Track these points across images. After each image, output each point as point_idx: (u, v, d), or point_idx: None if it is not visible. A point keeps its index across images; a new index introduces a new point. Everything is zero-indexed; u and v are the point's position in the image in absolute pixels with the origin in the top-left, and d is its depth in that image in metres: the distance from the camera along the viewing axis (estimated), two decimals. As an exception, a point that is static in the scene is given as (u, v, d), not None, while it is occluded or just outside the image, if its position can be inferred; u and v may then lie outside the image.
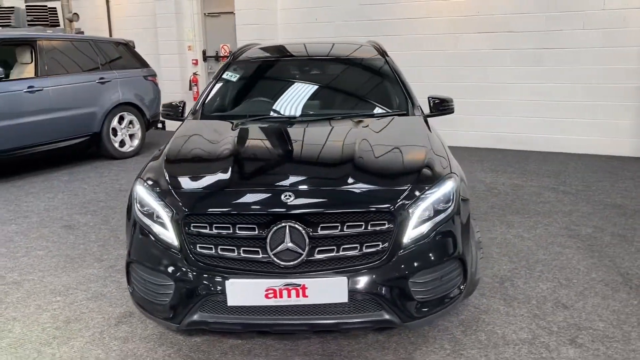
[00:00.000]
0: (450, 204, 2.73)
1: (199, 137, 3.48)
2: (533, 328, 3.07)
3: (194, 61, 10.26)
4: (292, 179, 2.77)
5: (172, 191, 2.71)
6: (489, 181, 6.32)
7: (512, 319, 3.18)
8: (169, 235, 2.62)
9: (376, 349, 2.90)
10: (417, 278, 2.58)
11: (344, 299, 2.48)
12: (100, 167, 7.43)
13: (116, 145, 7.90)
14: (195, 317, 2.57)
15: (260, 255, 2.50)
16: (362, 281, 2.50)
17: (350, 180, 2.70)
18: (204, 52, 10.30)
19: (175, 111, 4.16)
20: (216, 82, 4.25)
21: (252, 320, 2.54)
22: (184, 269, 2.56)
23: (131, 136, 8.18)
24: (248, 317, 2.54)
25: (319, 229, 2.50)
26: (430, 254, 2.61)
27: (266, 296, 2.47)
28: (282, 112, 3.97)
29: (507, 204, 5.41)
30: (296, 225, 2.48)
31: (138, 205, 2.80)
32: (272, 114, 3.97)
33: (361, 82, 4.32)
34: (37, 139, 6.80)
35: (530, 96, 7.99)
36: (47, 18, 10.39)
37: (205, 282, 2.52)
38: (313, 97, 4.15)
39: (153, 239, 2.67)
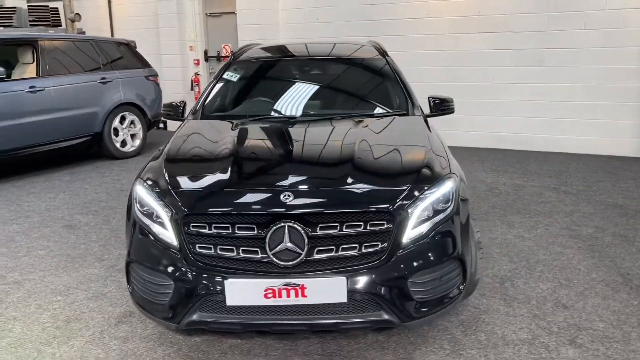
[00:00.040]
0: (449, 204, 2.73)
1: (199, 137, 3.49)
2: (533, 328, 3.07)
3: (196, 61, 10.27)
4: (292, 179, 2.77)
5: (172, 191, 2.72)
6: (489, 181, 6.32)
7: (512, 319, 3.18)
8: (168, 235, 2.62)
9: (375, 349, 2.90)
10: (417, 278, 2.58)
11: (343, 299, 2.48)
12: (101, 167, 7.44)
13: (117, 145, 7.91)
14: (195, 316, 2.57)
15: (260, 255, 2.51)
16: (361, 281, 2.50)
17: (349, 180, 2.70)
18: (205, 52, 10.31)
19: (176, 111, 4.17)
20: (216, 82, 4.26)
21: (251, 320, 2.55)
22: (183, 269, 2.56)
23: (132, 136, 8.19)
24: (247, 317, 2.55)
25: (318, 228, 2.50)
26: (430, 254, 2.61)
27: (265, 296, 2.47)
28: (282, 112, 3.98)
29: (508, 204, 5.41)
30: (295, 225, 2.48)
31: (138, 205, 2.80)
32: (272, 114, 3.98)
33: (361, 82, 4.32)
34: (38, 139, 6.82)
35: (531, 96, 7.98)
36: (49, 18, 10.40)
37: (204, 281, 2.53)
38: (313, 97, 4.16)
39: (152, 238, 2.67)
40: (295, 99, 4.08)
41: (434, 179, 2.77)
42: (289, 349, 2.90)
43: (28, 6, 10.64)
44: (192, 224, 2.58)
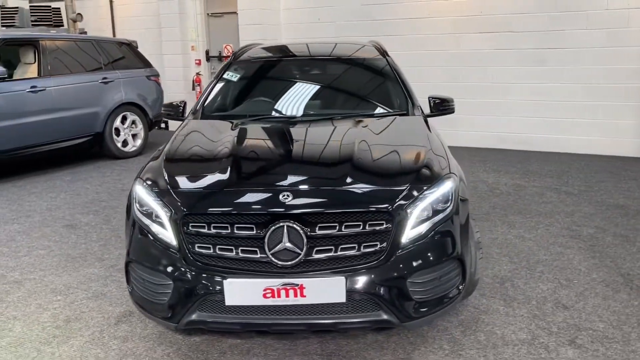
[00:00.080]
0: (449, 204, 2.73)
1: (199, 137, 3.49)
2: (532, 328, 3.06)
3: (197, 61, 10.28)
4: (291, 178, 2.77)
5: (171, 191, 2.72)
6: (491, 181, 6.31)
7: (511, 319, 3.17)
8: (167, 234, 2.62)
9: (375, 349, 2.90)
10: (416, 278, 2.58)
11: (342, 298, 2.48)
12: (102, 167, 7.45)
13: (119, 145, 7.92)
14: (194, 316, 2.57)
15: (259, 255, 2.51)
16: (360, 281, 2.50)
17: (348, 180, 2.70)
18: (207, 52, 10.32)
19: (176, 111, 4.17)
20: (217, 82, 4.26)
21: (250, 320, 2.54)
22: (183, 269, 2.56)
23: (134, 136, 8.20)
24: (246, 317, 2.55)
25: (317, 228, 2.50)
26: (429, 254, 2.61)
27: (264, 296, 2.47)
28: (282, 112, 3.98)
29: (508, 204, 5.40)
30: (294, 225, 2.48)
31: (137, 205, 2.81)
32: (272, 113, 3.98)
33: (361, 82, 4.32)
34: (40, 139, 6.83)
35: (533, 96, 7.97)
36: (51, 18, 10.43)
37: (203, 281, 2.52)
38: (313, 97, 4.15)
39: (152, 238, 2.67)
40: (295, 99, 4.08)
41: (434, 179, 2.77)
42: (288, 349, 2.90)
43: (30, 6, 10.67)
44: (191, 224, 2.58)
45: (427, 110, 4.08)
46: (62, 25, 10.46)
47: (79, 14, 10.39)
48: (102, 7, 11.35)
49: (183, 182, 2.82)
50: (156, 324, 3.10)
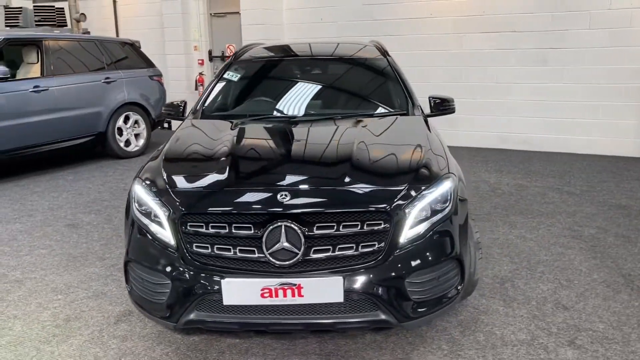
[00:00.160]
0: (447, 204, 2.72)
1: (198, 137, 3.49)
2: (532, 329, 3.06)
3: (200, 61, 10.29)
4: (289, 178, 2.77)
5: (169, 190, 2.73)
6: (493, 181, 6.29)
7: (511, 319, 3.16)
8: (166, 234, 2.63)
9: (373, 349, 2.89)
10: (414, 278, 2.57)
11: (340, 298, 2.48)
12: (105, 167, 7.47)
13: (121, 144, 7.93)
14: (192, 316, 2.58)
15: (256, 255, 2.51)
16: (358, 281, 2.49)
17: (347, 180, 2.70)
18: (210, 52, 10.33)
19: (176, 111, 4.18)
20: (217, 82, 4.27)
21: (248, 320, 2.54)
22: (181, 268, 2.57)
23: (136, 136, 8.22)
24: (244, 317, 2.55)
25: (315, 228, 2.50)
26: (427, 254, 2.60)
27: (262, 295, 2.47)
28: (281, 112, 3.98)
29: (510, 204, 5.39)
30: (292, 225, 2.48)
31: (136, 205, 2.81)
32: (271, 113, 3.98)
33: (361, 82, 4.31)
34: (42, 139, 6.85)
35: (535, 96, 7.95)
36: (55, 18, 10.48)
37: (201, 281, 2.53)
38: (312, 97, 4.15)
39: (150, 238, 2.68)
40: (294, 98, 4.08)
41: (432, 179, 2.76)
42: (286, 349, 2.91)
43: (34, 6, 10.72)
44: (189, 223, 2.58)
45: (427, 110, 4.08)
46: (66, 25, 10.51)
47: (82, 14, 10.42)
48: (105, 7, 11.38)
49: (181, 182, 2.82)
50: (155, 323, 3.10)
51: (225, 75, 4.33)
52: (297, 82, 4.29)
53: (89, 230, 4.87)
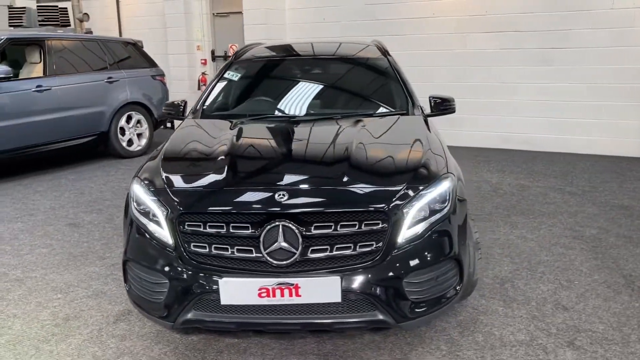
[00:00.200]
0: (446, 204, 2.71)
1: (197, 136, 3.49)
2: (531, 330, 3.04)
3: (203, 61, 10.31)
4: (287, 178, 2.77)
5: (167, 190, 2.73)
6: (494, 181, 6.28)
7: (510, 320, 3.15)
8: (164, 233, 2.63)
9: (372, 349, 2.89)
10: (412, 278, 2.57)
11: (337, 298, 2.48)
12: (107, 166, 7.48)
13: (124, 144, 7.95)
14: (190, 315, 2.58)
15: (254, 254, 2.50)
16: (356, 281, 2.49)
17: (345, 180, 2.69)
18: (212, 52, 10.35)
19: (177, 110, 4.18)
20: (217, 82, 4.27)
21: (246, 319, 2.54)
22: (179, 268, 2.57)
23: (139, 135, 8.23)
24: (241, 316, 2.54)
25: (313, 228, 2.49)
26: (425, 254, 2.60)
27: (259, 295, 2.47)
28: (281, 112, 3.97)
29: (512, 204, 5.37)
30: (290, 225, 2.47)
31: (135, 204, 2.82)
32: (271, 113, 3.97)
33: (361, 82, 4.31)
34: (45, 138, 6.87)
35: (538, 96, 7.92)
36: (58, 18, 10.50)
37: (199, 280, 2.53)
38: (312, 96, 4.14)
39: (149, 237, 2.68)
40: (294, 98, 4.07)
41: (431, 179, 2.76)
42: (285, 349, 2.90)
43: (37, 6, 10.75)
44: (187, 223, 2.58)
45: (427, 110, 4.07)
46: (69, 25, 10.53)
47: (85, 13, 10.45)
48: (108, 7, 11.42)
49: (180, 181, 2.82)
50: (154, 323, 3.10)
51: (225, 75, 4.33)
52: (297, 81, 4.28)
53: (90, 229, 4.88)
